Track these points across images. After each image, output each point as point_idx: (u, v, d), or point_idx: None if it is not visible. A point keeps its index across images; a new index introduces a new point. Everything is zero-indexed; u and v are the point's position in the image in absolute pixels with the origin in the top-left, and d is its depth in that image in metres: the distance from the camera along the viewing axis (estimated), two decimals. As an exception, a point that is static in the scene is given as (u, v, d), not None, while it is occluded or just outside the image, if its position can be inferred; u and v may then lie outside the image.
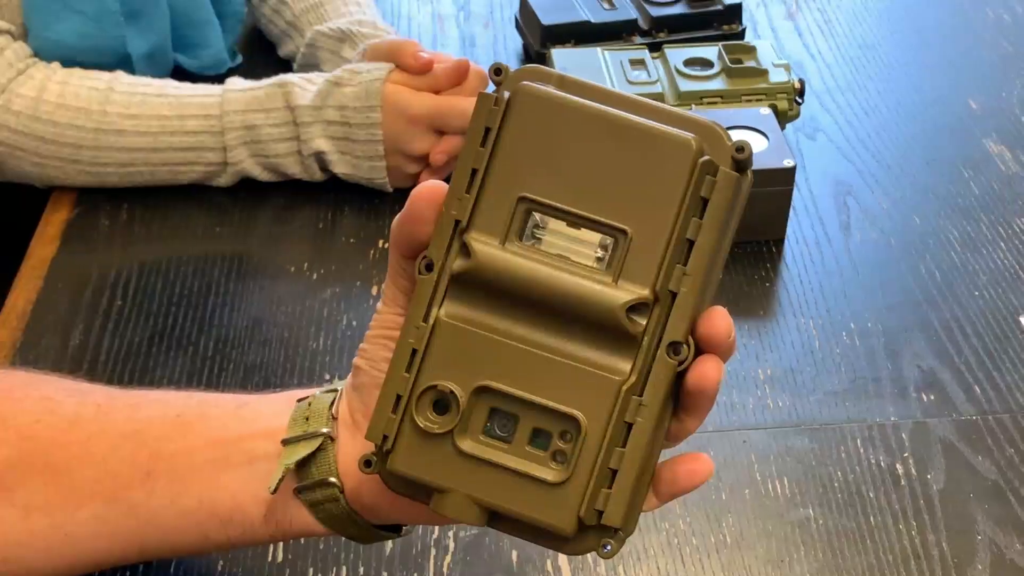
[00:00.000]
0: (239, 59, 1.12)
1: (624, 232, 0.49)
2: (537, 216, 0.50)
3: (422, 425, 0.50)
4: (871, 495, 0.74)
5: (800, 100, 1.03)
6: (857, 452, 0.77)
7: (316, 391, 0.60)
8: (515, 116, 0.50)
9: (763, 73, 1.03)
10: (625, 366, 0.49)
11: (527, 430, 0.50)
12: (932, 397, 0.81)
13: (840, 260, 0.93)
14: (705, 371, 0.51)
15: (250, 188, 0.98)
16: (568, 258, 0.49)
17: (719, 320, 0.51)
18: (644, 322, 0.49)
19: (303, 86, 0.96)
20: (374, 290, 0.89)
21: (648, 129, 0.49)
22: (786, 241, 0.94)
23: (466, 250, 0.50)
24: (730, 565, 0.70)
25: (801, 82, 1.03)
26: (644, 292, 0.49)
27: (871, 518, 0.73)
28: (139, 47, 1.02)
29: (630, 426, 0.49)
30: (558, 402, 0.49)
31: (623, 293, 0.49)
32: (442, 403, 0.50)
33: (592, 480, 0.49)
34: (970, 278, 0.91)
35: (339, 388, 0.59)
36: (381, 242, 0.94)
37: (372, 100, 0.94)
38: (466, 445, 0.50)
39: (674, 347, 0.50)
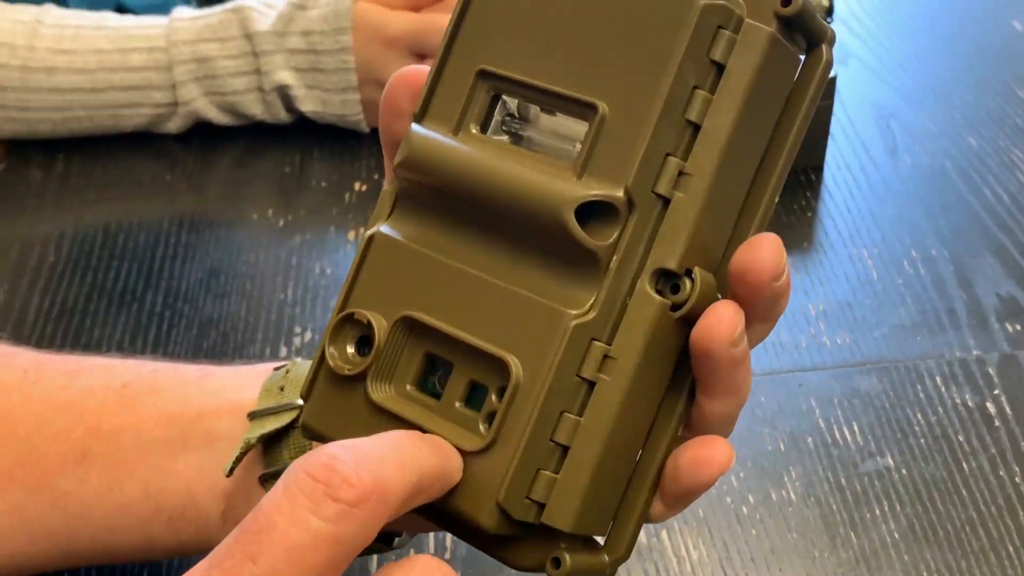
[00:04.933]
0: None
1: (593, 108, 0.35)
2: (512, 104, 0.37)
3: (332, 364, 0.37)
4: (960, 439, 0.61)
5: (829, 19, 0.91)
6: (938, 391, 0.64)
7: (298, 359, 0.48)
8: None
9: (786, -11, 0.91)
10: (587, 297, 0.35)
11: (462, 383, 0.36)
12: (1019, 327, 0.68)
13: (891, 185, 0.80)
14: (711, 320, 0.34)
15: (205, 134, 0.85)
16: (536, 152, 0.36)
17: (763, 249, 0.35)
18: (615, 234, 0.34)
19: (262, 11, 0.83)
20: (351, 235, 0.76)
21: None
22: (826, 167, 0.82)
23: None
24: (799, 525, 0.57)
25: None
26: (612, 192, 0.34)
27: (964, 465, 0.60)
28: (74, -17, 0.89)
29: (592, 385, 0.35)
30: (490, 342, 0.35)
31: (579, 188, 0.34)
32: (366, 339, 0.37)
33: (518, 452, 0.34)
34: (1044, 198, 0.79)
35: None
36: (359, 184, 0.81)
37: (342, 22, 0.81)
38: (377, 395, 0.36)
39: (664, 277, 0.35)
